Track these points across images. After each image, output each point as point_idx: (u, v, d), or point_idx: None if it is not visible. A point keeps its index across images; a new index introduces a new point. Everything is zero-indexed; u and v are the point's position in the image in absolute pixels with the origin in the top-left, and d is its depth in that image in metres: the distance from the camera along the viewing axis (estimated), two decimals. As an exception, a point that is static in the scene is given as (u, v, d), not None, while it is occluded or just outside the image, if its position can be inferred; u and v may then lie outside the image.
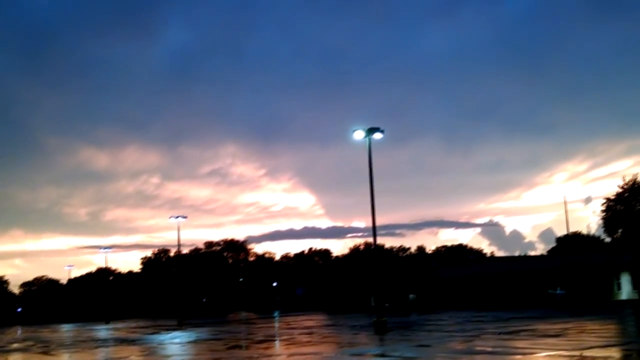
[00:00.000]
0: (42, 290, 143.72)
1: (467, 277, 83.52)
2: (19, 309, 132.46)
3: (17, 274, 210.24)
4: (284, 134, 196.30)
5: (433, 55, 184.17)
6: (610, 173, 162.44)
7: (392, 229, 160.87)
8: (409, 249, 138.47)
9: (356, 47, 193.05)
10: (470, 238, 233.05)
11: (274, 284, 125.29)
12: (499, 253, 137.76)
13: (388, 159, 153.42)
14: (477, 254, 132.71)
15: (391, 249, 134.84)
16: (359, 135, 35.17)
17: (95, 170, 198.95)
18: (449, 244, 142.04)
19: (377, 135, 35.16)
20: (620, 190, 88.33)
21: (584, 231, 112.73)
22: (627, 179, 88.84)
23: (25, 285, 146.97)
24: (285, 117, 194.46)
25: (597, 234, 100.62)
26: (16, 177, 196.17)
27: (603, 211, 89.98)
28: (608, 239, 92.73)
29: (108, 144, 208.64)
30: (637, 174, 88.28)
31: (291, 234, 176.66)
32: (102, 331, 55.76)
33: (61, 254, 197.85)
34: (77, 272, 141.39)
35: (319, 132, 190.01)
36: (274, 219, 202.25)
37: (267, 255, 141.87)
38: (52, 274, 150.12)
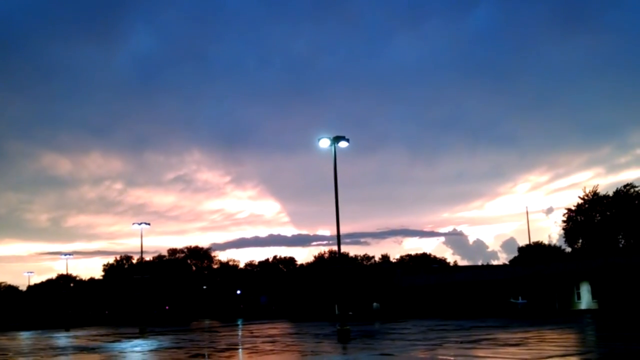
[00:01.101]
0: (0, 296, 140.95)
1: (430, 286, 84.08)
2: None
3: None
4: (249, 141, 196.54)
5: (398, 66, 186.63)
6: (571, 184, 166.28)
7: (356, 238, 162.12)
8: (373, 257, 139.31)
9: (322, 57, 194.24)
10: (434, 247, 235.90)
11: (238, 292, 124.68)
12: (462, 262, 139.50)
13: (353, 168, 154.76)
14: (441, 263, 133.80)
15: (356, 257, 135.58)
16: (324, 143, 35.12)
17: (57, 176, 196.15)
18: (413, 252, 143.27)
19: (343, 144, 35.16)
20: (580, 201, 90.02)
21: (546, 241, 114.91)
22: (588, 190, 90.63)
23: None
24: (251, 125, 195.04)
25: (558, 244, 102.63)
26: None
27: (564, 221, 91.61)
28: (569, 249, 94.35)
29: (70, 150, 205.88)
30: (597, 185, 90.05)
31: (256, 242, 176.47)
32: (62, 339, 54.81)
33: (21, 260, 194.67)
34: (37, 279, 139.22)
35: (284, 140, 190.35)
36: (239, 227, 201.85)
37: (231, 263, 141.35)
38: (12, 280, 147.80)
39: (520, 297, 73.09)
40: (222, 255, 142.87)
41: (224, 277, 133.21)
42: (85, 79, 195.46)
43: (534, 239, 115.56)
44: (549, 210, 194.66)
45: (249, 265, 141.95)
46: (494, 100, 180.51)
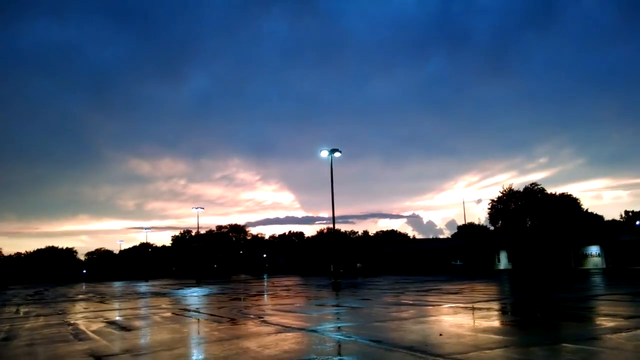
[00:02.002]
0: (100, 258, 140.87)
1: (396, 252, 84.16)
2: (84, 272, 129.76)
3: (83, 247, 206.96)
4: (273, 151, 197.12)
5: (376, 99, 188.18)
6: (494, 183, 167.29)
7: (346, 218, 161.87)
8: (357, 232, 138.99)
9: (323, 92, 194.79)
10: (399, 226, 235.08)
11: (264, 256, 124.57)
12: (419, 236, 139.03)
13: (344, 171, 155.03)
14: (404, 237, 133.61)
15: (345, 232, 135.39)
16: (324, 153, 35.14)
17: (140, 174, 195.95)
18: (385, 229, 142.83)
19: (337, 154, 35.18)
20: (500, 194, 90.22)
21: (476, 222, 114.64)
22: (505, 187, 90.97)
23: (88, 254, 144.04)
24: (274, 140, 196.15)
25: (484, 224, 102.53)
26: (84, 179, 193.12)
27: (489, 208, 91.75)
28: (492, 227, 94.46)
29: (149, 156, 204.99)
30: (511, 184, 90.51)
31: (277, 221, 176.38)
32: (143, 287, 54.89)
33: (115, 232, 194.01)
34: (126, 246, 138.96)
35: (297, 150, 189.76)
36: (265, 210, 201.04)
37: (259, 236, 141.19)
38: (108, 246, 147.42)
39: (458, 260, 73.07)
40: (253, 230, 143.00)
41: (254, 245, 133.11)
42: (160, 107, 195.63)
43: (468, 220, 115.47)
44: (479, 201, 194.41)
45: (272, 237, 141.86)
46: (442, 124, 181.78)
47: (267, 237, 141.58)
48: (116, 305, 27.09)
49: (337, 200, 35.60)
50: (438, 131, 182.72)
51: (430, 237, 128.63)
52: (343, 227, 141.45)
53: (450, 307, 17.68)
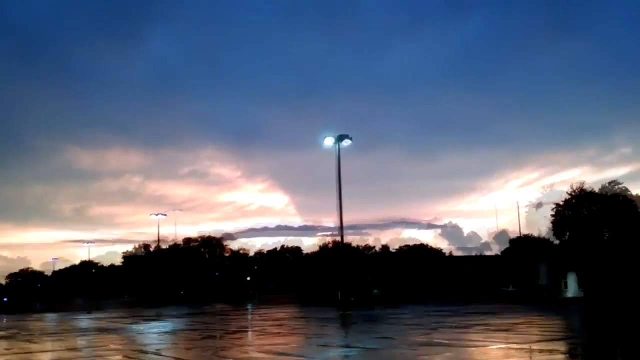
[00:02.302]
0: (27, 281, 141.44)
1: (426, 274, 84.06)
2: (5, 299, 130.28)
3: (4, 265, 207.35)
4: (259, 139, 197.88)
5: (399, 70, 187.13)
6: (560, 181, 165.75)
7: (358, 229, 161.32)
8: (374, 247, 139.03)
9: (327, 61, 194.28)
10: (431, 238, 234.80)
11: (248, 279, 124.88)
12: (457, 252, 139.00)
13: (355, 165, 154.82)
14: (437, 253, 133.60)
15: (358, 247, 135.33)
16: (329, 141, 35.20)
17: (80, 169, 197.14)
18: (411, 243, 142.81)
19: (346, 142, 35.27)
20: (568, 197, 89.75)
21: (535, 233, 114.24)
22: (575, 186, 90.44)
23: (11, 276, 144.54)
24: (261, 124, 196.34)
25: (546, 236, 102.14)
26: (3, 175, 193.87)
27: (552, 216, 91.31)
28: (557, 241, 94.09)
29: (93, 145, 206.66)
30: (583, 182, 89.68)
31: (265, 231, 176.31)
32: (85, 320, 54.94)
33: (47, 247, 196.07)
34: (61, 265, 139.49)
35: (292, 138, 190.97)
36: (250, 217, 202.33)
37: (242, 252, 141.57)
38: (37, 266, 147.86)
39: (510, 286, 73.14)
40: (233, 244, 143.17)
41: (235, 265, 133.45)
42: (108, 80, 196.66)
43: (524, 232, 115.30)
44: (539, 205, 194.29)
45: (258, 253, 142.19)
46: (487, 102, 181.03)
47: (252, 253, 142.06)
48: (48, 345, 27.16)
49: (346, 204, 35.67)
50: (481, 113, 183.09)
51: (473, 254, 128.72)
52: (354, 240, 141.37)
53: (500, 349, 17.69)
